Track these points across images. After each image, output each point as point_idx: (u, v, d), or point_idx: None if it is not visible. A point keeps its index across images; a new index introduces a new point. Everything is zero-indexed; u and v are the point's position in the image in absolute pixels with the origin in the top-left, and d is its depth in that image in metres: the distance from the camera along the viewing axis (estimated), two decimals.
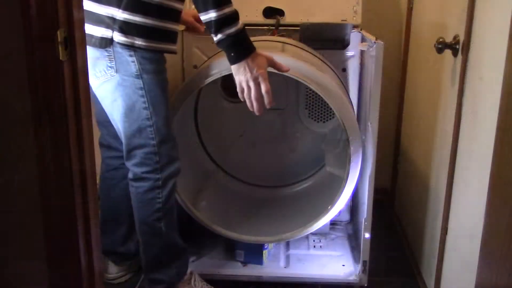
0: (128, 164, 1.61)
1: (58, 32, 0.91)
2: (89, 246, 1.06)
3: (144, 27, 1.46)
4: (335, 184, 1.86)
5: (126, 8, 1.44)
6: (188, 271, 1.79)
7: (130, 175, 1.62)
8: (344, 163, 1.76)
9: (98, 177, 1.87)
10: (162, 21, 1.48)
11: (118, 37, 1.45)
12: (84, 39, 1.00)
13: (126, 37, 1.45)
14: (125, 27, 1.45)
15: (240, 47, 1.44)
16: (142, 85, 1.49)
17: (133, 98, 1.50)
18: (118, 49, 1.46)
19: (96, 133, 1.81)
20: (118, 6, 1.44)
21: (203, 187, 2.07)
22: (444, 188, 1.64)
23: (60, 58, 0.92)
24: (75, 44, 0.95)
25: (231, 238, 1.89)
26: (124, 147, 1.59)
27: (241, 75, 1.46)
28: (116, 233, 1.89)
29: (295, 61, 1.65)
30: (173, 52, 1.55)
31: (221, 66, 1.63)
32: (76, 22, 0.95)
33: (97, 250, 1.09)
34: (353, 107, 1.87)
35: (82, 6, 1.01)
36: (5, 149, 0.97)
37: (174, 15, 1.52)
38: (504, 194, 0.98)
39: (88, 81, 1.04)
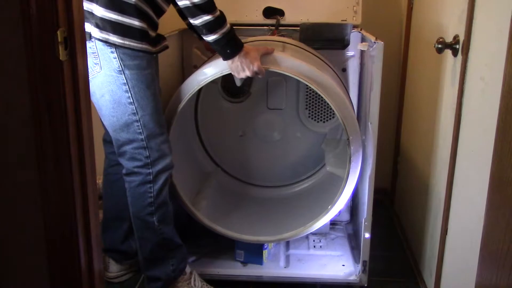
0: (121, 160, 1.64)
1: (58, 32, 0.91)
2: (89, 246, 1.06)
3: (119, 24, 1.49)
4: (335, 184, 1.86)
5: (102, 5, 1.49)
6: (188, 271, 1.79)
7: (123, 171, 1.66)
8: (344, 163, 1.76)
9: (100, 175, 1.87)
10: (139, 20, 1.51)
11: (95, 32, 1.49)
12: (84, 39, 1.00)
13: (101, 33, 1.49)
14: (101, 23, 1.49)
15: (233, 43, 1.56)
16: (125, 81, 1.53)
17: (118, 93, 1.54)
18: (100, 45, 1.50)
19: (101, 130, 1.81)
20: (96, 1, 1.49)
21: (203, 187, 2.07)
22: (444, 188, 1.64)
23: (60, 58, 0.92)
24: (75, 44, 0.95)
25: (231, 238, 1.89)
26: (114, 143, 1.63)
27: (241, 72, 1.60)
28: (118, 230, 1.90)
29: (296, 61, 1.65)
30: (149, 52, 1.57)
31: (221, 66, 1.63)
32: (76, 22, 0.95)
33: (97, 250, 1.09)
34: (353, 107, 1.87)
35: (82, 6, 1.02)
36: (5, 149, 0.97)
37: (150, 19, 1.55)
38: (504, 194, 0.98)
39: (88, 81, 1.04)
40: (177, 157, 1.73)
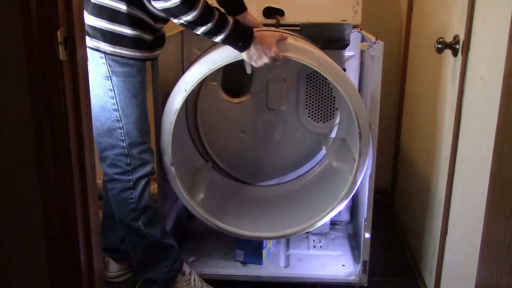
0: (102, 165, 1.63)
1: (58, 32, 0.91)
2: (89, 246, 1.06)
3: (109, 33, 1.48)
4: (337, 179, 1.86)
5: (92, 13, 1.48)
6: (188, 271, 1.79)
7: (104, 178, 1.66)
8: (347, 159, 1.76)
9: (100, 175, 1.87)
10: (132, 28, 1.49)
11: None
12: (84, 39, 1.00)
13: (91, 41, 1.49)
14: (91, 31, 1.48)
15: (244, 35, 1.51)
16: (111, 87, 1.52)
17: (103, 98, 1.54)
18: (90, 50, 1.48)
19: None
20: (85, 9, 1.48)
21: (200, 183, 2.03)
22: (444, 188, 1.64)
23: (60, 58, 0.92)
24: (75, 44, 0.95)
25: (230, 234, 1.87)
26: (97, 147, 1.62)
27: (258, 60, 1.55)
28: (118, 230, 1.89)
29: (312, 50, 1.64)
30: (142, 59, 1.55)
31: (207, 65, 1.61)
32: (76, 22, 0.95)
33: (97, 250, 1.09)
34: None
35: (82, 6, 1.02)
36: (6, 149, 0.97)
37: (146, 24, 1.53)
38: (504, 194, 0.98)
39: (88, 81, 1.04)
40: (176, 152, 1.72)
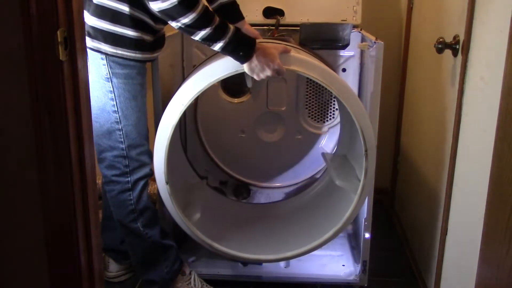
0: (100, 167, 1.63)
1: (58, 32, 0.91)
2: (89, 246, 1.06)
3: (111, 34, 1.48)
4: (339, 197, 1.85)
5: (94, 14, 1.47)
6: (188, 271, 1.79)
7: (102, 179, 1.66)
8: (350, 176, 1.75)
9: (100, 175, 1.87)
10: (133, 30, 1.48)
11: (86, 40, 1.46)
12: (84, 39, 1.00)
13: (93, 42, 1.48)
14: (92, 32, 1.48)
15: (245, 44, 1.44)
16: (111, 89, 1.52)
17: (103, 100, 1.53)
18: (90, 51, 1.48)
19: None
20: (87, 10, 1.47)
21: (196, 205, 1.94)
22: (444, 188, 1.64)
23: (60, 58, 0.92)
24: (75, 44, 0.95)
25: (229, 256, 1.80)
26: (95, 148, 1.61)
27: (260, 72, 1.47)
28: (118, 230, 1.89)
29: (319, 64, 1.61)
30: (143, 60, 1.55)
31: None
32: (76, 22, 0.95)
33: (97, 250, 1.09)
34: None
35: (82, 6, 1.02)
36: (6, 150, 0.97)
37: (147, 26, 1.52)
38: (504, 194, 0.98)
39: (88, 81, 1.04)
40: (171, 170, 1.65)
